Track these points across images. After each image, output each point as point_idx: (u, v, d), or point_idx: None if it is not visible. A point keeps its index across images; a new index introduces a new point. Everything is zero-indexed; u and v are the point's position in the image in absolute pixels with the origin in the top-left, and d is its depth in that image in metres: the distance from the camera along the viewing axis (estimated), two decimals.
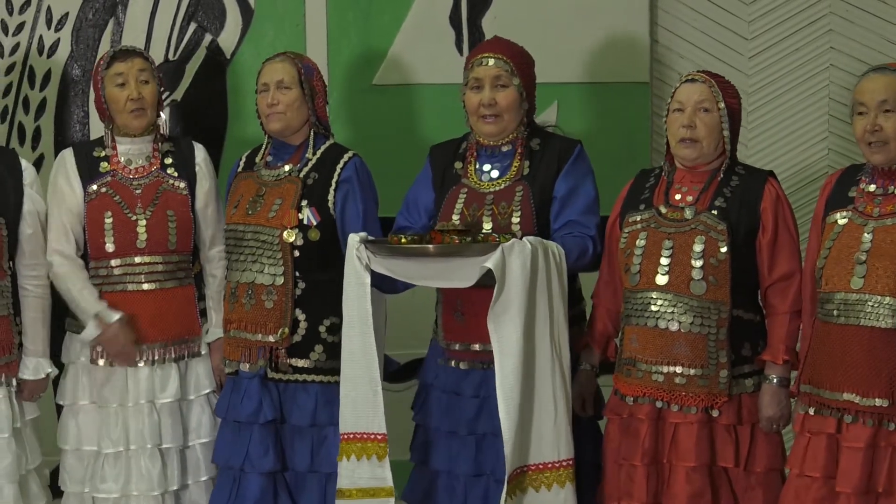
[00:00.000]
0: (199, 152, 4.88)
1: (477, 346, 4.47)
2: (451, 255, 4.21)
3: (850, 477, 3.95)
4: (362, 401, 4.36)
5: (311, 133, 4.74)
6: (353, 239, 4.32)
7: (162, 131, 4.88)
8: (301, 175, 4.67)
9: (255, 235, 4.64)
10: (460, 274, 4.20)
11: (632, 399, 4.32)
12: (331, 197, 4.64)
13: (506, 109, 4.47)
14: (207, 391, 4.85)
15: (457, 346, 4.53)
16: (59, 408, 4.88)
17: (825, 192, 4.16)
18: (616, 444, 4.39)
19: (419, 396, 4.69)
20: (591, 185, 4.52)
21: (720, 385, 4.23)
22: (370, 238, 4.35)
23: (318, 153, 4.73)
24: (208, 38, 5.60)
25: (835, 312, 4.01)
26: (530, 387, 4.21)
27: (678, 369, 4.23)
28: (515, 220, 4.42)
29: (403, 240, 4.26)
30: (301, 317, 4.63)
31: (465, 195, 4.52)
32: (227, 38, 5.59)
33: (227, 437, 4.70)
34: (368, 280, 4.29)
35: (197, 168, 4.84)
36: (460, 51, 5.64)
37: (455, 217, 4.49)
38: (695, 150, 4.29)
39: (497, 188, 4.50)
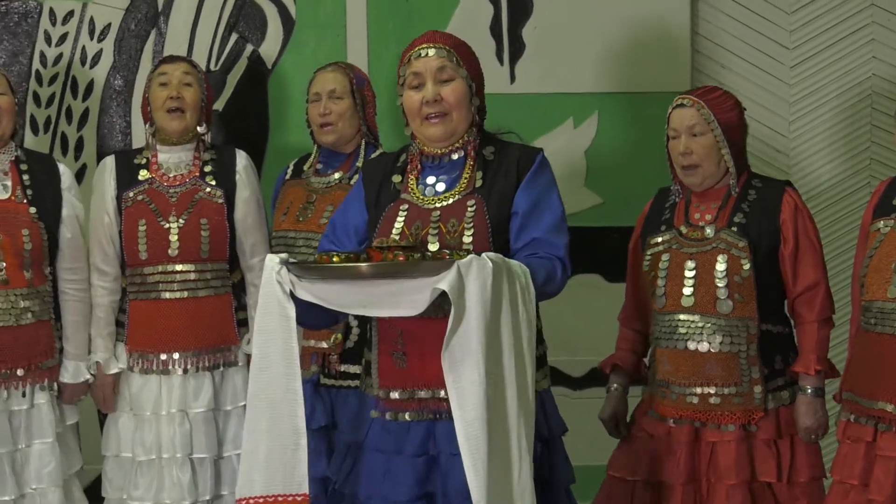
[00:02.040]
0: (241, 160, 4.88)
1: (423, 393, 3.76)
2: (394, 275, 3.46)
3: (882, 486, 3.93)
4: (279, 456, 3.59)
5: (363, 142, 4.76)
6: (272, 260, 3.61)
7: (204, 140, 4.88)
8: (352, 182, 4.68)
9: (307, 242, 4.65)
10: (407, 300, 3.46)
11: (672, 421, 4.29)
12: None
13: (454, 106, 3.80)
14: (245, 403, 4.86)
15: (396, 395, 3.78)
16: (104, 415, 4.91)
17: (873, 201, 4.14)
18: (638, 460, 4.36)
19: (343, 460, 3.94)
20: (557, 199, 3.85)
21: (755, 401, 4.21)
22: (291, 260, 3.64)
23: None
24: (249, 48, 5.62)
25: (872, 321, 4.00)
26: (498, 436, 3.48)
27: (712, 390, 4.22)
28: (467, 238, 3.74)
29: (336, 258, 3.59)
30: (353, 322, 4.62)
31: (406, 212, 3.83)
32: (269, 48, 5.60)
33: None
34: (294, 312, 3.56)
35: (237, 176, 4.84)
36: (500, 61, 5.64)
37: (395, 235, 3.79)
38: (697, 176, 4.28)
39: (445, 203, 3.82)
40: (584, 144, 5.68)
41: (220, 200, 4.76)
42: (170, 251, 4.71)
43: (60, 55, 5.55)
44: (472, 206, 3.78)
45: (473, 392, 3.42)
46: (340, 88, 4.71)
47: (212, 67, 5.58)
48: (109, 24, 5.56)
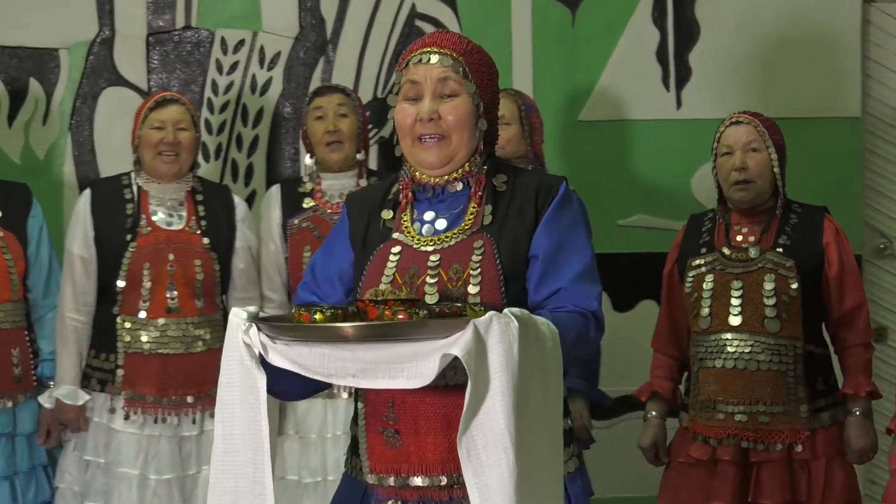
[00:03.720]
0: None
1: (419, 480, 2.96)
2: (393, 337, 2.70)
3: None
4: None
5: (530, 168, 4.77)
6: (237, 316, 2.86)
7: (366, 167, 4.95)
8: None
9: None
10: (409, 368, 2.69)
11: (715, 441, 4.29)
12: None
13: (454, 127, 3.02)
14: None
15: (391, 482, 2.98)
16: None
17: None
18: (683, 488, 4.37)
19: None
20: (586, 239, 3.11)
21: (801, 420, 4.24)
22: (262, 315, 2.94)
23: None
24: None
25: None
26: None
27: (761, 408, 4.23)
28: (473, 288, 2.96)
29: (318, 315, 2.77)
30: None
31: (397, 255, 3.05)
32: None
33: None
34: (264, 384, 2.80)
35: None
36: (666, 86, 5.61)
37: (384, 286, 2.98)
38: (750, 192, 4.31)
39: (445, 245, 3.03)
40: None
41: None
42: None
43: (231, 83, 5.65)
44: (479, 248, 3.01)
45: (503, 489, 2.68)
46: (509, 115, 4.72)
47: (378, 95, 5.63)
48: (279, 53, 5.65)
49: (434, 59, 3.02)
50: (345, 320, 2.76)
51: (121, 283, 4.62)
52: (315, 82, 5.59)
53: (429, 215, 3.08)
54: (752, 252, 4.29)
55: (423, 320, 2.68)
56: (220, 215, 4.75)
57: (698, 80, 5.61)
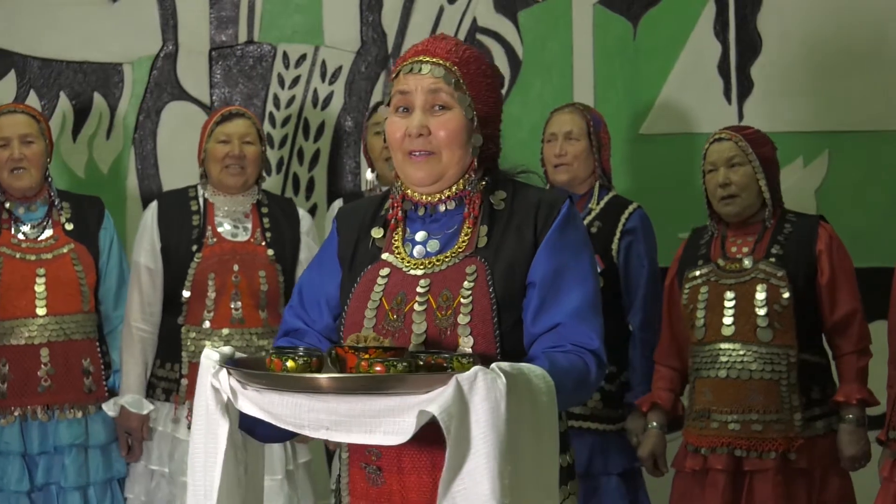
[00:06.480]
0: None
1: None
2: (370, 390, 2.47)
3: None
4: None
5: (596, 184, 4.76)
6: (210, 358, 2.66)
7: None
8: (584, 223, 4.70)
9: None
10: (388, 423, 2.46)
11: (706, 450, 4.33)
12: (615, 246, 4.65)
13: (444, 143, 2.79)
14: None
15: None
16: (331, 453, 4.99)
17: None
18: (688, 498, 4.42)
19: None
20: (589, 265, 2.81)
21: (796, 428, 4.27)
22: (237, 357, 2.73)
23: (602, 203, 4.75)
24: None
25: None
26: None
27: (754, 416, 4.28)
28: (463, 319, 2.73)
29: (290, 363, 2.58)
30: None
31: (385, 278, 2.82)
32: None
33: None
34: (225, 431, 2.60)
35: None
36: (728, 100, 5.60)
37: (370, 312, 2.80)
38: (735, 206, 4.39)
39: (436, 269, 2.79)
40: (815, 184, 5.59)
41: None
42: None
43: (293, 97, 5.68)
44: (471, 274, 2.76)
45: None
46: (577, 130, 4.73)
47: None
48: (340, 67, 5.67)
49: (425, 69, 2.81)
50: (320, 368, 2.57)
51: (186, 294, 4.66)
52: (376, 96, 5.62)
53: (420, 236, 2.87)
54: (746, 262, 4.37)
55: (400, 374, 2.47)
56: (284, 228, 4.78)
57: (760, 93, 5.59)
